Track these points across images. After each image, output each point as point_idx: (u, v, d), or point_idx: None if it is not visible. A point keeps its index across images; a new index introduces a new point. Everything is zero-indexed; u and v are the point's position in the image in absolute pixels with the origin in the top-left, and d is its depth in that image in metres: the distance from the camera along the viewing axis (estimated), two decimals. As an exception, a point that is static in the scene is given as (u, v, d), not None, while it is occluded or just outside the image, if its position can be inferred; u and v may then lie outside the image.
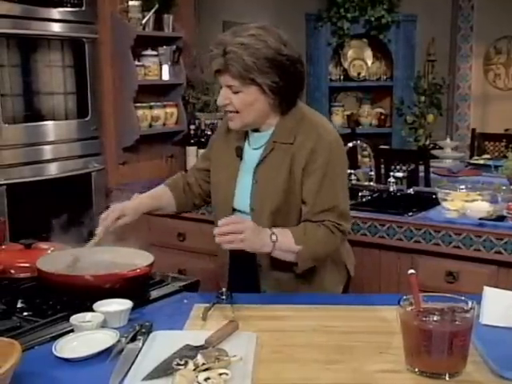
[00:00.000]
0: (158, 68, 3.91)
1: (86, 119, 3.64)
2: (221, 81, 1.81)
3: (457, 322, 1.29)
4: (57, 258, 1.83)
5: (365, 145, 3.60)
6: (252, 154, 1.92)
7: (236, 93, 1.79)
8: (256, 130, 1.91)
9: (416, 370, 1.31)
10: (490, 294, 1.59)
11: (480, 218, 2.60)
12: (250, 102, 1.79)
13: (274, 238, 1.73)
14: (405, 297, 1.36)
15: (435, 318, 1.28)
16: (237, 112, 1.82)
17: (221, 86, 1.83)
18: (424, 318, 1.29)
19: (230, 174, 1.93)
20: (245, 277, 1.93)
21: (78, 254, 1.86)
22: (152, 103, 3.93)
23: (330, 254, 1.89)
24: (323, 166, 1.81)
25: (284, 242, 1.75)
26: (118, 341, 1.41)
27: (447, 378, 1.29)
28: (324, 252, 1.85)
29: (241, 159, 1.93)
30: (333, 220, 1.81)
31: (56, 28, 3.43)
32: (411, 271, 1.39)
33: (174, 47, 3.96)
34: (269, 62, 1.74)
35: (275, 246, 1.73)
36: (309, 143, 1.82)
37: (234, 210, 1.91)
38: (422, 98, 6.01)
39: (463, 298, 1.36)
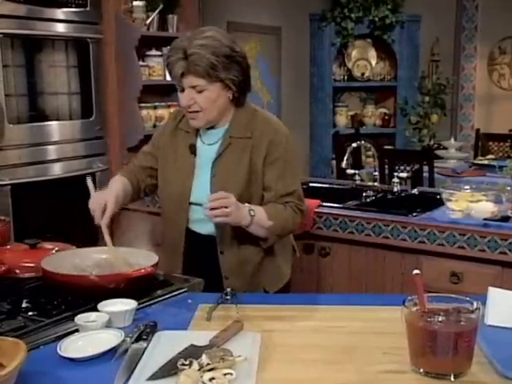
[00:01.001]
0: (162, 68, 3.92)
1: (91, 119, 3.65)
2: (184, 83, 1.91)
3: (462, 323, 1.29)
4: (62, 258, 1.83)
5: (369, 145, 3.59)
6: (207, 149, 2.02)
7: (200, 92, 1.90)
8: (210, 127, 2.01)
9: (421, 370, 1.31)
10: (494, 294, 1.58)
11: (484, 219, 2.60)
12: (213, 99, 1.92)
13: (252, 213, 1.90)
14: (409, 297, 1.35)
15: (440, 319, 1.28)
16: (200, 110, 1.92)
17: (182, 88, 1.92)
18: (429, 319, 1.29)
19: (185, 171, 2.02)
20: (205, 264, 2.02)
21: (82, 255, 1.86)
22: (156, 103, 3.94)
23: (292, 230, 2.10)
24: (283, 155, 2.00)
25: (260, 218, 1.92)
26: (123, 341, 1.41)
27: (452, 379, 1.28)
28: (289, 229, 2.05)
29: (195, 156, 2.02)
30: (295, 201, 2.01)
31: (60, 28, 3.43)
32: (416, 272, 1.38)
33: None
34: (228, 58, 1.89)
35: (253, 220, 1.90)
36: (267, 136, 1.99)
37: (191, 203, 2.01)
38: (426, 99, 6.01)
39: (468, 298, 1.36)
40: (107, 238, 1.85)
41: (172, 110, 3.99)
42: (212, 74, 1.87)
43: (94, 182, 1.96)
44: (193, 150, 2.03)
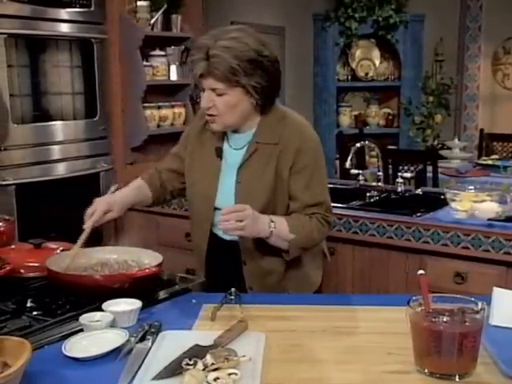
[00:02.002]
0: (166, 68, 3.92)
1: (95, 119, 3.65)
2: (204, 84, 1.84)
3: (467, 323, 1.29)
4: (66, 257, 1.83)
5: (373, 145, 3.59)
6: (234, 154, 1.96)
7: (220, 95, 1.82)
8: (235, 131, 1.95)
9: (426, 370, 1.30)
10: (499, 294, 1.58)
11: (489, 219, 2.59)
12: (233, 104, 1.83)
13: (272, 225, 1.82)
14: (414, 297, 1.35)
15: (445, 319, 1.28)
16: (219, 115, 1.85)
17: (203, 89, 1.86)
18: (434, 319, 1.29)
19: (211, 174, 1.97)
20: (225, 277, 1.96)
21: (87, 254, 1.87)
22: (160, 103, 3.94)
23: (317, 243, 2.00)
24: (311, 164, 1.91)
25: (281, 230, 1.84)
26: (128, 340, 1.42)
27: (457, 379, 1.28)
28: (314, 242, 1.96)
29: (221, 159, 1.97)
30: (322, 213, 1.92)
31: (65, 28, 3.44)
32: (421, 272, 1.38)
33: (182, 47, 3.97)
34: (252, 63, 1.79)
35: (272, 233, 1.83)
36: (295, 143, 1.89)
37: (216, 208, 1.94)
38: (430, 98, 6.01)
39: (473, 298, 1.36)
40: (81, 239, 1.83)
41: (176, 110, 4.00)
42: (231, 78, 1.77)
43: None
44: (219, 153, 1.96)
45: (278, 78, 1.90)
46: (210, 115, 1.87)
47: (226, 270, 1.98)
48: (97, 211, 1.85)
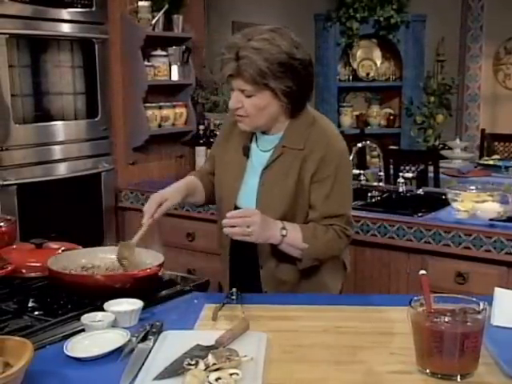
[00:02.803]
0: (168, 68, 3.92)
1: (96, 119, 3.65)
2: (233, 85, 1.80)
3: (468, 323, 1.28)
4: (68, 257, 1.83)
5: (374, 145, 3.59)
6: (260, 155, 1.93)
7: (249, 96, 1.78)
8: (264, 132, 1.92)
9: (427, 371, 1.30)
10: (501, 294, 1.58)
11: (490, 219, 2.60)
12: (262, 106, 1.79)
13: (284, 232, 1.78)
14: (416, 297, 1.35)
15: (446, 319, 1.28)
16: (247, 116, 1.82)
17: (232, 89, 1.82)
18: (435, 319, 1.28)
19: (236, 172, 1.94)
20: (246, 278, 1.94)
21: (88, 254, 1.87)
22: (161, 103, 3.94)
23: (333, 255, 1.94)
24: (333, 174, 1.84)
25: (293, 237, 1.80)
26: (129, 340, 1.42)
27: (459, 380, 1.28)
28: (328, 254, 1.90)
29: (247, 158, 1.94)
30: (340, 225, 1.86)
31: (66, 28, 3.44)
32: (422, 272, 1.38)
33: (184, 47, 3.97)
34: (282, 66, 1.74)
35: (283, 240, 1.79)
36: (320, 150, 1.84)
37: (237, 207, 1.91)
38: (432, 99, 6.00)
39: (474, 299, 1.36)
40: (140, 232, 1.82)
41: (177, 110, 4.00)
42: (260, 81, 1.73)
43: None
44: (246, 152, 1.93)
45: (310, 81, 1.85)
46: (238, 115, 1.85)
47: (247, 272, 1.95)
48: (151, 205, 1.82)
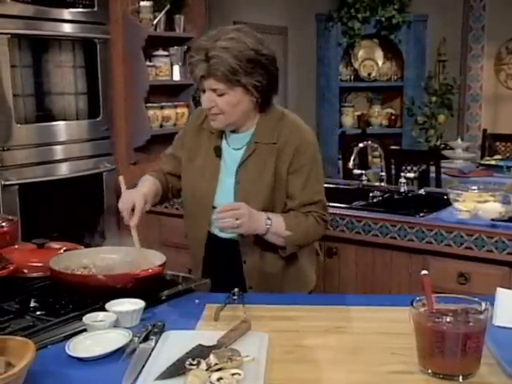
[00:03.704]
0: (169, 68, 3.93)
1: (98, 119, 3.66)
2: (205, 85, 1.85)
3: (470, 324, 1.28)
4: (69, 257, 1.83)
5: (375, 145, 3.59)
6: (233, 154, 1.98)
7: (221, 95, 1.84)
8: (234, 131, 1.97)
9: (429, 371, 1.30)
10: (503, 295, 1.58)
11: (492, 219, 2.59)
12: (234, 103, 1.86)
13: (269, 222, 1.87)
14: (417, 298, 1.35)
15: (448, 320, 1.28)
16: (221, 113, 1.87)
17: (203, 90, 1.87)
18: (437, 319, 1.28)
19: (210, 173, 1.98)
20: (228, 273, 1.97)
21: (90, 254, 1.87)
22: (163, 103, 3.95)
23: (314, 241, 2.07)
24: (308, 163, 1.94)
25: (277, 227, 1.88)
26: (131, 340, 1.42)
27: (461, 380, 1.28)
28: (309, 239, 2.01)
29: (220, 159, 1.98)
30: (318, 211, 1.96)
31: (68, 29, 3.45)
32: (424, 272, 1.38)
33: (185, 47, 3.97)
34: (251, 62, 1.81)
35: (269, 229, 1.87)
36: (293, 143, 1.92)
37: (214, 207, 1.94)
38: (433, 99, 6.00)
39: (476, 299, 1.36)
40: (135, 238, 1.82)
41: (179, 110, 4.00)
42: (232, 78, 1.80)
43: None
44: (218, 152, 1.98)
45: (277, 76, 1.92)
46: (212, 114, 1.89)
47: (225, 270, 1.99)
48: (138, 206, 1.82)
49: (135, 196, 1.86)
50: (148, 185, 1.98)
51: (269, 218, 1.87)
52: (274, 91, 1.93)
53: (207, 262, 2.03)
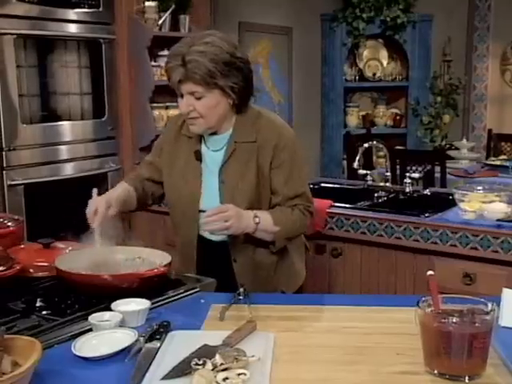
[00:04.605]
0: (174, 68, 3.92)
1: (103, 119, 3.66)
2: (182, 89, 1.89)
3: (476, 324, 1.28)
4: (75, 257, 1.84)
5: (381, 145, 3.58)
6: (213, 156, 2.01)
7: (198, 98, 1.88)
8: (212, 133, 1.99)
9: (435, 371, 1.30)
10: (508, 295, 1.57)
11: (498, 220, 2.58)
12: (212, 106, 1.89)
13: (257, 220, 1.90)
14: (423, 298, 1.35)
15: (455, 320, 1.28)
16: (200, 117, 1.90)
17: (181, 95, 1.91)
18: (443, 320, 1.28)
19: (193, 177, 2.01)
20: (219, 271, 1.99)
21: (96, 254, 1.87)
22: (168, 103, 3.95)
23: (301, 232, 2.12)
24: (289, 158, 1.98)
25: (265, 223, 1.92)
26: (137, 340, 1.42)
27: (467, 381, 1.28)
28: (297, 232, 2.06)
29: (201, 162, 2.01)
30: (303, 203, 2.01)
31: (73, 29, 3.46)
32: (430, 272, 1.38)
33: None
34: (227, 65, 1.85)
35: (257, 227, 1.91)
36: (272, 139, 1.96)
37: (201, 211, 1.98)
38: (438, 99, 5.99)
39: (483, 299, 1.35)
40: (97, 238, 1.86)
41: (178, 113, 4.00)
42: (210, 81, 1.84)
43: (98, 193, 1.97)
44: (198, 156, 2.01)
45: (251, 77, 1.97)
46: (191, 118, 1.92)
47: (216, 270, 2.00)
48: (100, 210, 1.87)
49: (98, 201, 1.91)
50: (118, 190, 2.03)
51: (256, 216, 1.90)
52: (249, 92, 1.98)
53: (199, 263, 2.05)
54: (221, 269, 2.00)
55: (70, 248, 1.95)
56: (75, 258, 1.82)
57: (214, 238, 2.00)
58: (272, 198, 2.00)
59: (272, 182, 1.98)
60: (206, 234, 2.00)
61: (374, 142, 3.57)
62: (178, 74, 1.85)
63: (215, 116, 1.92)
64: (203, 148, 2.03)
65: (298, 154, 2.02)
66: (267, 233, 1.94)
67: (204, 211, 1.94)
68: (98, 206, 1.89)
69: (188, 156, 2.03)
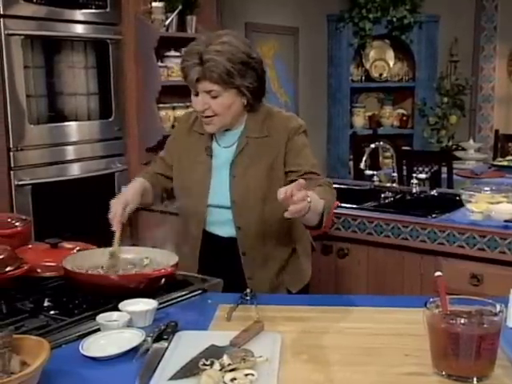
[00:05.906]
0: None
1: (110, 120, 3.67)
2: (199, 88, 1.89)
3: (485, 325, 1.28)
4: (82, 257, 1.84)
5: (387, 146, 3.58)
6: (223, 152, 2.02)
7: (214, 97, 1.89)
8: (225, 130, 2.01)
9: (443, 373, 1.30)
10: (517, 297, 1.57)
11: (505, 220, 2.58)
12: (228, 105, 1.90)
13: (308, 199, 1.63)
14: (431, 299, 1.35)
15: (463, 321, 1.27)
16: (215, 115, 1.90)
17: (196, 93, 1.91)
18: (451, 321, 1.28)
19: (203, 173, 2.01)
20: (225, 266, 2.00)
21: (104, 254, 1.88)
22: (175, 104, 3.95)
23: (334, 206, 2.02)
24: (302, 144, 1.98)
25: (314, 199, 1.69)
26: (144, 340, 1.42)
27: (475, 382, 1.27)
28: (333, 202, 1.96)
29: (211, 158, 2.02)
30: (324, 179, 1.97)
31: (80, 29, 3.46)
32: (438, 273, 1.38)
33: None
34: (243, 65, 1.87)
35: (310, 207, 1.65)
36: (284, 133, 1.97)
37: (209, 205, 1.99)
38: (445, 99, 5.98)
39: (491, 301, 1.35)
40: (116, 238, 1.86)
41: (190, 110, 4.01)
42: (227, 80, 1.85)
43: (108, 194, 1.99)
44: (209, 152, 2.02)
45: (265, 78, 1.99)
46: (206, 117, 1.93)
47: (222, 265, 2.01)
48: (117, 213, 1.88)
49: (116, 204, 1.89)
50: (135, 186, 2.02)
51: (307, 195, 1.63)
52: (263, 92, 1.99)
53: (202, 259, 2.06)
54: (227, 264, 2.00)
55: (77, 248, 1.96)
56: (82, 258, 1.83)
57: (222, 233, 2.01)
58: (292, 180, 1.77)
59: (289, 163, 1.95)
60: (214, 230, 2.01)
61: (381, 143, 3.57)
62: (195, 72, 1.85)
63: (230, 115, 1.93)
64: (214, 145, 2.04)
65: (307, 139, 2.03)
66: (314, 213, 1.72)
67: (212, 206, 1.98)
68: (116, 209, 1.88)
69: (199, 151, 2.04)
